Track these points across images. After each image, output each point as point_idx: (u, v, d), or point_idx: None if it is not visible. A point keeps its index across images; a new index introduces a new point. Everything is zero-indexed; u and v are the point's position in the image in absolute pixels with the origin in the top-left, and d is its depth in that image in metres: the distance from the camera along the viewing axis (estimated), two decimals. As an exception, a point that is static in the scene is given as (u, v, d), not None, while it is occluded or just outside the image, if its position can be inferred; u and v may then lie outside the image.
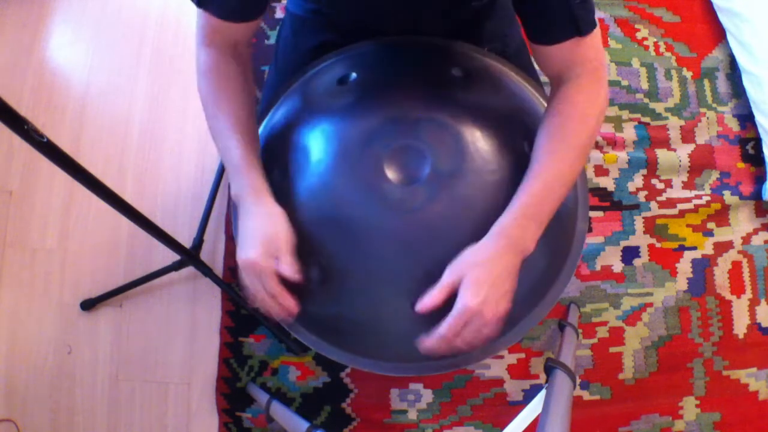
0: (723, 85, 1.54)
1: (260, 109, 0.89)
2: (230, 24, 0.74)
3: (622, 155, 1.47)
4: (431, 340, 0.65)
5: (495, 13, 0.95)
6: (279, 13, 1.55)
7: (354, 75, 0.81)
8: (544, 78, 0.88)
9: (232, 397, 1.33)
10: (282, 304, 0.68)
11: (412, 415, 1.33)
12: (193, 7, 0.74)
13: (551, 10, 0.70)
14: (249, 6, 0.75)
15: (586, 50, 0.72)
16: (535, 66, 1.04)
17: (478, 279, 0.63)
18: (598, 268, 1.41)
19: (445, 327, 0.63)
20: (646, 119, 1.50)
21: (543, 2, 0.70)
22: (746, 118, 1.52)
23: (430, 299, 0.64)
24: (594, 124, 0.71)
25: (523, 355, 1.36)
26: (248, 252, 0.66)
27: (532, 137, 0.76)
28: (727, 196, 1.46)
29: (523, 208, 0.67)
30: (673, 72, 1.54)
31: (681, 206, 1.45)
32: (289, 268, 0.66)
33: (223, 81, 0.74)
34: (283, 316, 0.70)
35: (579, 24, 0.70)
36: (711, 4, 1.57)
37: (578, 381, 1.34)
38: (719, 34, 1.57)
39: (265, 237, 0.66)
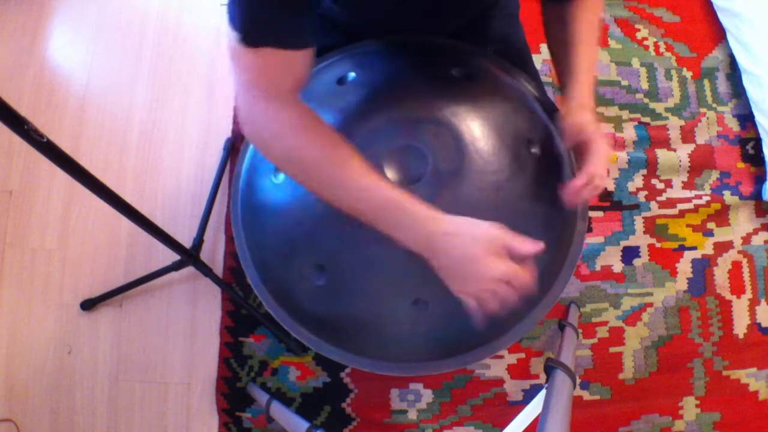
0: (723, 85, 1.54)
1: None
2: (291, 54, 0.61)
3: (622, 155, 1.47)
4: (581, 179, 0.70)
5: (497, 12, 0.95)
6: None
7: (353, 75, 0.81)
8: (545, 78, 0.88)
9: (232, 397, 1.33)
10: (524, 280, 0.61)
11: (412, 415, 1.33)
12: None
13: None
14: (304, 24, 0.62)
15: None
16: (535, 67, 1.05)
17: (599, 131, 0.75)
18: (598, 268, 1.41)
19: (593, 167, 0.71)
20: (646, 119, 1.50)
21: None
22: (746, 118, 1.52)
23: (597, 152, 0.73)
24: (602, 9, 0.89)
25: (523, 355, 1.36)
26: (501, 270, 0.59)
27: (532, 137, 0.76)
28: (727, 196, 1.46)
29: (589, 83, 0.79)
30: (673, 72, 1.54)
31: (681, 206, 1.45)
32: (533, 247, 0.61)
33: (318, 130, 0.64)
34: (523, 293, 0.62)
35: None
36: (711, 4, 1.57)
37: (578, 381, 1.34)
38: (719, 34, 1.57)
39: (490, 242, 0.60)
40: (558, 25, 0.82)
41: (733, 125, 1.52)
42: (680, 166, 1.47)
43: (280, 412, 1.20)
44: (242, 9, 0.58)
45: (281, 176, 0.77)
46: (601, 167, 0.72)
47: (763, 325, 1.41)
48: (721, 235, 1.45)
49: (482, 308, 0.62)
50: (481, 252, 0.59)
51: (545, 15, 0.86)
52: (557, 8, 0.82)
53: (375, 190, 0.62)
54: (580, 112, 0.76)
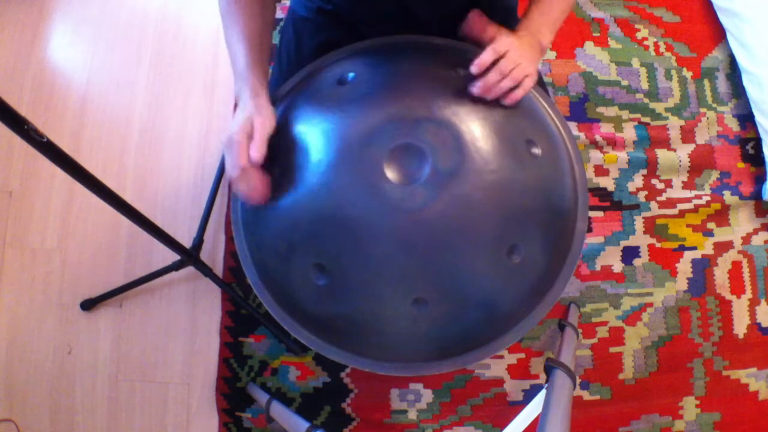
0: (723, 85, 1.54)
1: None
2: None
3: (622, 155, 1.47)
4: (486, 54, 0.73)
5: (494, 5, 0.95)
6: (279, 13, 1.55)
7: (353, 74, 0.81)
8: (545, 78, 0.88)
9: (232, 397, 1.34)
10: (249, 182, 0.72)
11: (412, 415, 1.33)
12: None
13: None
14: None
15: None
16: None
17: (517, 39, 0.77)
18: (598, 268, 1.41)
19: (499, 42, 0.74)
20: (646, 119, 1.50)
21: None
22: (746, 118, 1.52)
23: (482, 58, 0.74)
24: None
25: (523, 355, 1.36)
26: (227, 130, 0.72)
27: (532, 137, 0.76)
28: (727, 196, 1.46)
29: (540, 10, 0.80)
30: (673, 72, 1.54)
31: (681, 206, 1.45)
32: (256, 147, 0.70)
33: None
34: (251, 198, 0.73)
35: None
36: (711, 4, 1.57)
37: (578, 381, 1.34)
38: (719, 34, 1.57)
39: (245, 119, 0.72)
40: None
41: (733, 125, 1.52)
42: (680, 166, 1.47)
43: (280, 412, 1.20)
44: None
45: (282, 176, 0.77)
46: (504, 46, 0.74)
47: (763, 325, 1.41)
48: (721, 235, 1.45)
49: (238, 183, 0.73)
50: (238, 121, 0.72)
51: None
52: None
53: (236, 54, 0.78)
54: (506, 33, 0.78)
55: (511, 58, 0.74)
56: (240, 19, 0.79)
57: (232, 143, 0.71)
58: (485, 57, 0.74)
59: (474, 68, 0.74)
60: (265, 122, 0.73)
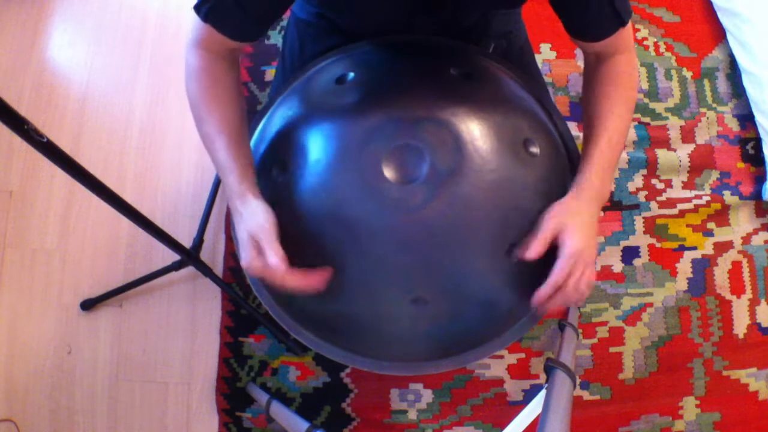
0: (723, 85, 1.54)
1: (261, 108, 0.89)
2: (230, 40, 0.74)
3: (622, 155, 1.47)
4: (545, 289, 0.67)
5: (498, 11, 0.95)
6: (279, 13, 1.55)
7: (352, 74, 0.81)
8: (546, 78, 0.88)
9: (232, 397, 1.34)
10: (301, 288, 0.68)
11: (412, 415, 1.33)
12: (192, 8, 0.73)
13: (596, 10, 0.74)
14: (252, 30, 0.75)
15: (627, 35, 0.79)
16: (537, 64, 1.05)
17: (577, 225, 0.68)
18: (598, 268, 1.41)
19: (557, 271, 0.67)
20: (646, 119, 1.50)
21: (587, 3, 0.73)
22: (746, 118, 1.52)
23: (534, 248, 0.67)
24: (637, 86, 0.82)
25: (523, 355, 1.36)
26: (243, 258, 0.69)
27: (531, 137, 0.76)
28: (727, 196, 1.46)
29: (599, 161, 0.73)
30: (673, 72, 1.54)
31: (681, 206, 1.45)
32: (274, 260, 0.66)
33: (213, 82, 0.75)
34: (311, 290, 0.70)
35: (622, 16, 0.76)
36: (711, 4, 1.57)
37: (578, 381, 1.34)
38: (719, 34, 1.57)
39: (250, 237, 0.68)
40: (592, 103, 0.78)
41: (733, 125, 1.52)
42: (680, 166, 1.47)
43: (280, 412, 1.20)
44: None
45: (280, 175, 0.77)
46: (565, 275, 0.67)
47: (763, 325, 1.41)
48: (721, 235, 1.45)
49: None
50: (244, 236, 0.69)
51: (586, 72, 0.83)
52: (596, 61, 0.80)
53: (216, 151, 0.75)
54: (566, 206, 0.70)
55: (575, 276, 0.68)
56: (216, 108, 0.74)
57: (259, 274, 0.67)
58: (544, 292, 0.67)
59: (535, 303, 0.68)
60: (265, 226, 0.68)
